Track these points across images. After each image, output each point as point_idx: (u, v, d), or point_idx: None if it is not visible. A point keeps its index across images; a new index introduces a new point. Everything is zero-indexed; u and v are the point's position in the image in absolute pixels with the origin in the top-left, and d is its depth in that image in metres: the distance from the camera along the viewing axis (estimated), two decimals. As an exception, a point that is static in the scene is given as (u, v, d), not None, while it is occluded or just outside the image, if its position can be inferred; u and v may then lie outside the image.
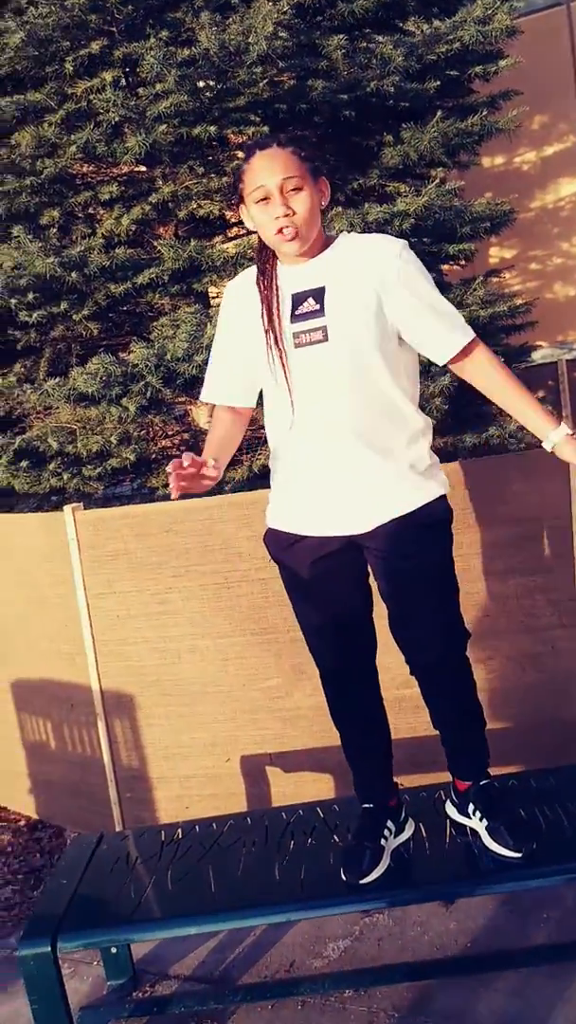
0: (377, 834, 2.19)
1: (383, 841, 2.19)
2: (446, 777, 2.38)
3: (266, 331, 1.99)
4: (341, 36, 3.64)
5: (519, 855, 2.09)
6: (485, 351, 2.04)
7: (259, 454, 3.88)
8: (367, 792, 2.27)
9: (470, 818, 2.22)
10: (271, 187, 1.91)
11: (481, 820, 2.18)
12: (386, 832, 2.21)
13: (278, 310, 1.99)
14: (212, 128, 3.51)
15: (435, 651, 2.14)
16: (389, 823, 2.23)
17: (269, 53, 3.41)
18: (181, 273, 3.69)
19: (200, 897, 2.26)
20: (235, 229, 4.41)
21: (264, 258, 2.05)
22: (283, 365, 1.98)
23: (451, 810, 2.31)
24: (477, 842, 2.19)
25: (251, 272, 2.10)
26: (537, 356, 5.38)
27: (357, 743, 2.27)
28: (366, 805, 2.26)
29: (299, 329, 1.97)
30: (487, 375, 2.03)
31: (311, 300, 1.97)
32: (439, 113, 3.86)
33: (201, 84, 3.44)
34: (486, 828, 2.16)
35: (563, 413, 5.54)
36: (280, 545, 2.13)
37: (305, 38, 3.69)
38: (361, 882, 2.12)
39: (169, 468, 1.83)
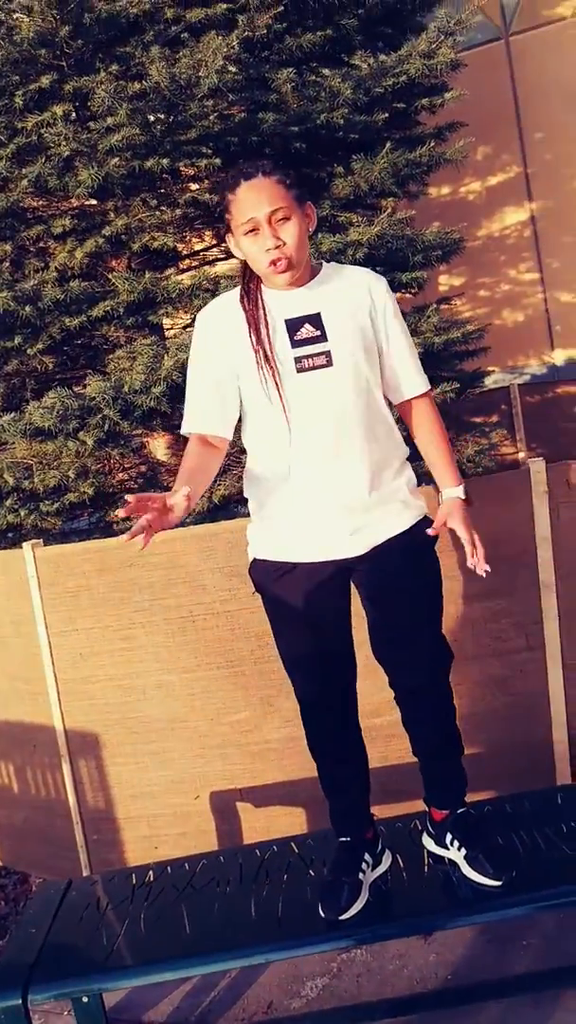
0: (355, 868, 2.16)
1: (361, 875, 2.15)
2: (419, 806, 2.35)
3: (255, 350, 1.97)
4: (290, 70, 3.68)
5: (499, 883, 2.07)
6: (432, 401, 2.17)
7: (219, 485, 3.85)
8: (344, 824, 2.24)
9: (448, 849, 2.20)
10: (259, 219, 1.91)
11: (459, 850, 2.15)
12: (364, 865, 2.17)
13: (267, 330, 1.98)
14: (164, 161, 3.51)
15: (424, 671, 2.14)
16: (367, 856, 2.19)
17: (219, 86, 3.44)
18: (136, 305, 3.68)
19: (175, 941, 2.20)
20: (188, 261, 4.42)
21: (248, 279, 2.03)
22: (276, 384, 1.97)
23: (428, 842, 2.28)
24: (456, 872, 2.16)
25: (226, 298, 2.07)
26: (489, 381, 5.45)
27: (336, 774, 2.23)
28: (343, 838, 2.23)
29: (301, 354, 1.97)
30: (428, 422, 2.15)
31: (309, 326, 1.98)
32: (388, 144, 3.92)
33: (152, 117, 3.45)
34: (465, 857, 2.13)
35: (517, 436, 5.61)
36: (269, 576, 2.10)
37: (254, 72, 3.73)
38: (340, 918, 2.08)
39: (130, 499, 1.67)
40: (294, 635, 2.13)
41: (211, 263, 4.37)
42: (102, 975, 2.18)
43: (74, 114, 3.66)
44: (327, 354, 1.97)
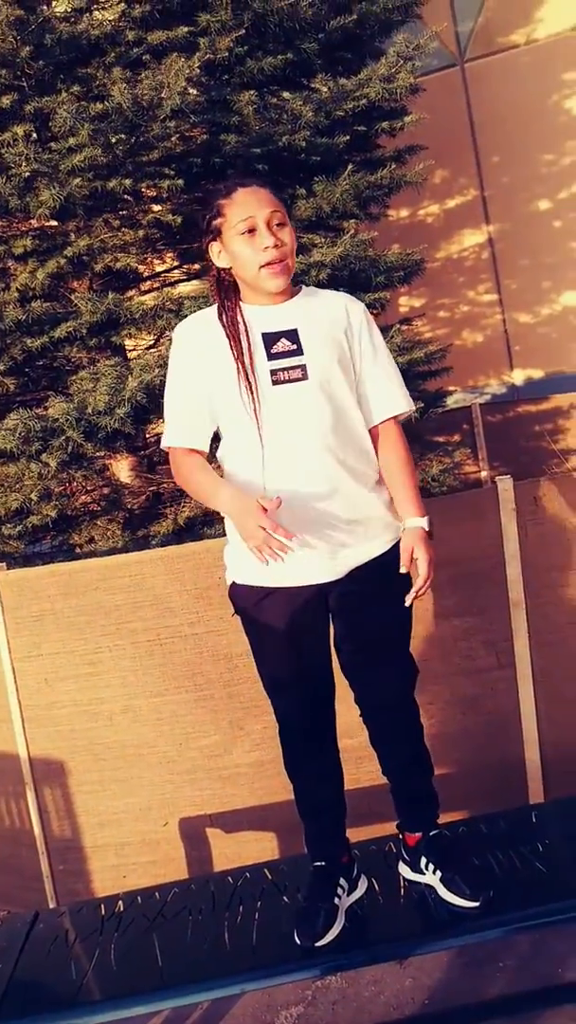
0: (330, 893, 2.12)
1: (337, 900, 2.12)
2: (391, 828, 2.32)
3: (236, 360, 1.96)
4: (251, 92, 3.70)
5: (476, 904, 2.05)
6: (399, 426, 2.13)
7: (183, 507, 3.82)
8: (320, 848, 2.20)
9: (423, 874, 2.17)
10: (259, 219, 1.92)
11: (435, 873, 2.13)
12: (339, 890, 2.14)
13: (249, 345, 1.97)
14: (126, 181, 3.50)
15: (392, 691, 2.13)
16: (342, 881, 2.16)
17: (181, 108, 3.44)
18: (98, 326, 3.65)
19: (147, 974, 2.14)
20: (150, 282, 4.40)
21: (226, 295, 2.02)
22: (253, 398, 1.95)
23: (404, 870, 2.24)
24: (432, 894, 2.14)
25: (203, 315, 2.06)
26: (451, 401, 5.49)
27: (313, 795, 2.20)
28: (318, 863, 2.19)
29: (277, 367, 1.96)
30: (395, 446, 2.09)
31: (285, 340, 1.97)
32: (349, 167, 3.94)
33: (114, 138, 3.43)
34: (441, 880, 2.11)
35: (479, 455, 5.65)
36: (250, 600, 2.07)
37: (216, 94, 3.73)
38: (316, 944, 2.04)
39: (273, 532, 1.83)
40: (276, 656, 2.10)
41: (173, 284, 4.36)
42: (71, 1011, 2.11)
43: (35, 134, 3.64)
44: (302, 367, 1.96)
